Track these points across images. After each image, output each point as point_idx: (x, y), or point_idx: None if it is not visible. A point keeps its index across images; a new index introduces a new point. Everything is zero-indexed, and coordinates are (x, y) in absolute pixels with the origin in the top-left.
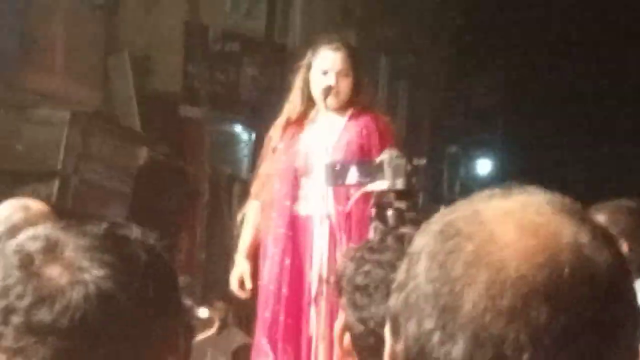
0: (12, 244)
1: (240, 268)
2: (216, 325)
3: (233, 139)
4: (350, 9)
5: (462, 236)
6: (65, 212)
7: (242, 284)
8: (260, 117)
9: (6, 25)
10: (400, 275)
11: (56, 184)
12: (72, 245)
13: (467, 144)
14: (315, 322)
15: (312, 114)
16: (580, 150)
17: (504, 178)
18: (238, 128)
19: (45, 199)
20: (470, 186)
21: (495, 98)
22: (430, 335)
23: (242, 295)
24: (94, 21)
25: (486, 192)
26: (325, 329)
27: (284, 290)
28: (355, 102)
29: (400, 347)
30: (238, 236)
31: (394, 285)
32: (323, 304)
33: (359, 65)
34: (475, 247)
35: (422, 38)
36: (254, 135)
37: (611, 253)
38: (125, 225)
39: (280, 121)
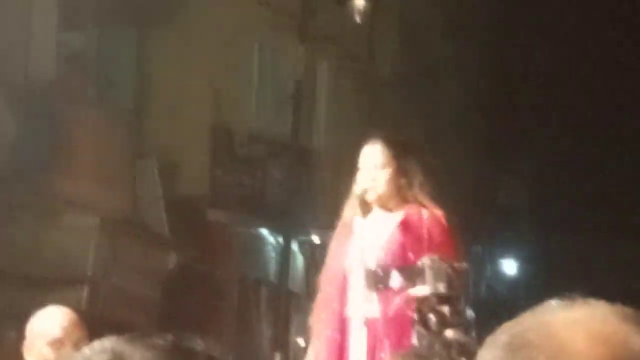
0: (79, 358)
1: None
2: None
3: (260, 242)
4: (375, 110)
5: (533, 347)
6: (95, 318)
7: None
8: (287, 220)
9: (35, 131)
10: None
11: (86, 290)
12: (138, 358)
13: (492, 244)
14: None
15: (366, 214)
16: (607, 248)
17: (530, 279)
18: (265, 231)
19: (75, 305)
20: (496, 287)
21: (521, 197)
22: None
23: None
24: (122, 126)
25: (550, 304)
26: None
27: None
28: (404, 196)
29: None
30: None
31: None
32: None
33: (401, 157)
34: (547, 357)
35: (447, 139)
36: (280, 239)
37: None
38: (190, 338)
39: (338, 222)
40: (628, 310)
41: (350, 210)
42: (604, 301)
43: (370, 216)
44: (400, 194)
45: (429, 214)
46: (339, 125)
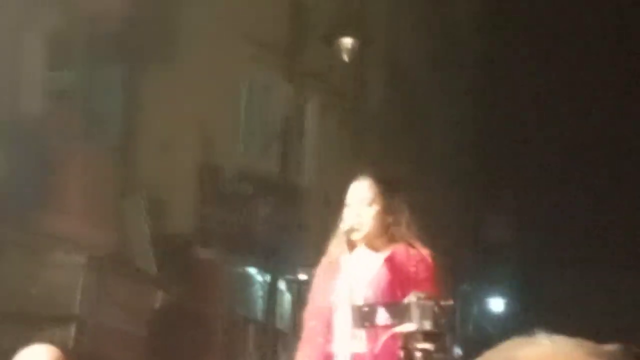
0: None
1: None
2: None
3: (248, 280)
4: (362, 148)
5: None
6: (82, 356)
7: None
8: (274, 258)
9: (21, 170)
10: None
11: (73, 328)
12: None
13: (478, 281)
14: None
15: (352, 250)
16: (594, 281)
17: (517, 316)
18: (253, 269)
19: (62, 343)
20: (484, 324)
21: (508, 233)
22: None
23: None
24: (110, 164)
25: (514, 341)
26: None
27: None
28: (391, 235)
29: None
30: None
31: None
32: None
33: (388, 195)
34: None
35: (433, 175)
36: (268, 277)
37: None
38: None
39: (323, 259)
40: (589, 344)
41: (336, 246)
42: (566, 336)
43: (357, 253)
44: (387, 232)
45: (416, 252)
46: (327, 162)
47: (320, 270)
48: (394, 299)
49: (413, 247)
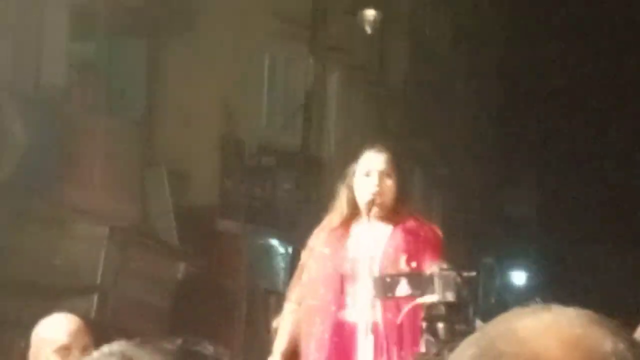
0: None
1: None
2: None
3: (270, 252)
4: (385, 122)
5: (506, 357)
6: (104, 327)
7: None
8: (296, 231)
9: (44, 142)
10: None
11: (95, 299)
12: None
13: (501, 255)
14: None
15: (357, 220)
16: (616, 257)
17: (538, 289)
18: (275, 241)
19: (84, 314)
20: (506, 297)
21: (529, 208)
22: None
23: None
24: (132, 137)
25: (512, 312)
26: None
27: None
28: (399, 209)
29: None
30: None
31: None
32: None
33: (402, 171)
34: None
35: (455, 150)
36: (290, 249)
37: None
38: (198, 342)
39: (324, 226)
40: (592, 314)
41: (341, 214)
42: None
43: (366, 223)
44: (396, 205)
45: (424, 225)
46: (349, 135)
47: (324, 236)
48: (405, 269)
49: (419, 220)
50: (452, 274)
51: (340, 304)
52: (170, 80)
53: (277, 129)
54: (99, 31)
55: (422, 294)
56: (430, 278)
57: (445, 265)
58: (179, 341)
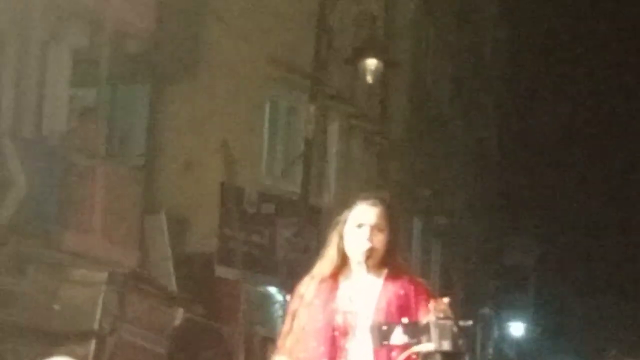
0: None
1: None
2: None
3: (268, 300)
4: (385, 171)
5: None
6: None
7: None
8: (295, 279)
9: (44, 187)
10: None
11: (93, 344)
12: None
13: (499, 305)
14: None
15: (346, 271)
16: (615, 308)
17: (536, 340)
18: (273, 289)
19: (82, 358)
20: (503, 348)
21: (528, 259)
22: None
23: None
24: (132, 183)
25: None
26: None
27: None
28: (390, 262)
29: None
30: None
31: None
32: None
33: (395, 224)
34: None
35: (455, 199)
36: (288, 297)
37: None
38: None
39: (315, 275)
40: None
41: (329, 266)
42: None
43: (358, 274)
44: (387, 258)
45: (412, 278)
46: (349, 183)
47: (314, 287)
48: (394, 321)
49: (407, 273)
50: (449, 322)
51: (333, 358)
52: (170, 126)
53: (277, 177)
54: (101, 77)
55: (418, 343)
56: (427, 326)
57: (441, 314)
58: None
